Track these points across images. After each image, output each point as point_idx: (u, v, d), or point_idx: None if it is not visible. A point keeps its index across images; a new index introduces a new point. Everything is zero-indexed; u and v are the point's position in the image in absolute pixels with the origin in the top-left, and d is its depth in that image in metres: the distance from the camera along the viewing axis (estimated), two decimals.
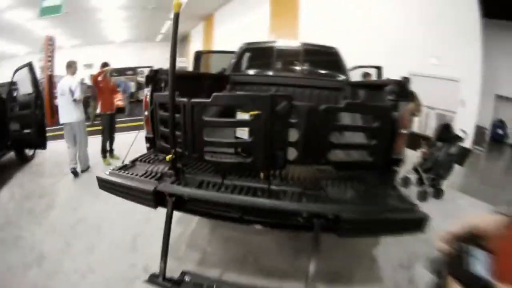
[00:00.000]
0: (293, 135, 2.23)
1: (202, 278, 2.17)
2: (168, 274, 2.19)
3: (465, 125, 6.90)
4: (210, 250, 3.37)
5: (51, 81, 11.41)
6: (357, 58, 5.43)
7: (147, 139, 3.15)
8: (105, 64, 6.43)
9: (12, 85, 5.91)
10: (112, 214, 4.12)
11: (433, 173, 4.71)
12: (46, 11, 10.83)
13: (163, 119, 2.75)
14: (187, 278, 2.10)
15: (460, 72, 7.17)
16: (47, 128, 6.18)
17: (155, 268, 2.25)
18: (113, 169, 2.63)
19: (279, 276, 2.89)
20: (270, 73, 4.88)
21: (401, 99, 2.45)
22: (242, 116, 2.20)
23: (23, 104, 5.74)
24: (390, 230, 2.24)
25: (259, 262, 3.14)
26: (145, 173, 2.54)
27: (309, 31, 10.71)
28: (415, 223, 2.01)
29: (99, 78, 6.18)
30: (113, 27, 20.20)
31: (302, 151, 2.25)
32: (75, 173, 5.59)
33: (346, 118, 3.33)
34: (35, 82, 5.73)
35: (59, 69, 13.70)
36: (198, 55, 5.54)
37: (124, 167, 2.70)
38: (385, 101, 2.54)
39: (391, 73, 5.62)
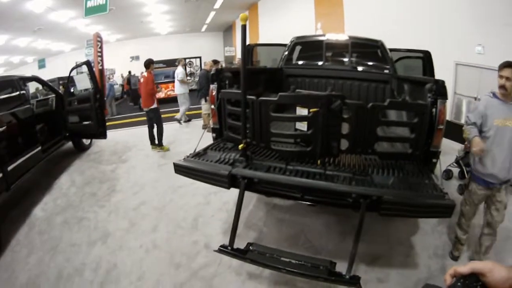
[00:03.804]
0: (345, 128, 2.58)
1: (264, 248, 2.45)
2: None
3: None
4: (266, 230, 3.66)
5: (103, 75, 11.96)
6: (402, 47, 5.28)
7: (214, 130, 3.51)
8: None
9: (69, 82, 6.47)
10: (174, 196, 4.52)
11: None
12: (91, 11, 10.78)
13: (231, 113, 3.09)
14: (252, 248, 2.40)
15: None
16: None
17: (215, 245, 2.55)
18: (188, 156, 3.00)
19: (327, 254, 3.11)
20: (320, 66, 4.99)
21: (440, 97, 2.65)
22: (302, 111, 2.57)
23: (83, 98, 6.22)
24: (422, 213, 2.51)
25: (310, 241, 3.41)
26: (218, 159, 2.91)
27: (355, 19, 10.52)
28: (443, 208, 2.23)
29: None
30: (157, 20, 20.38)
31: (353, 142, 2.63)
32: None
33: (392, 112, 3.56)
34: (93, 78, 6.24)
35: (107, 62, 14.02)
36: (249, 49, 5.63)
37: (197, 155, 3.05)
38: (425, 98, 2.75)
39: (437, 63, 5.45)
